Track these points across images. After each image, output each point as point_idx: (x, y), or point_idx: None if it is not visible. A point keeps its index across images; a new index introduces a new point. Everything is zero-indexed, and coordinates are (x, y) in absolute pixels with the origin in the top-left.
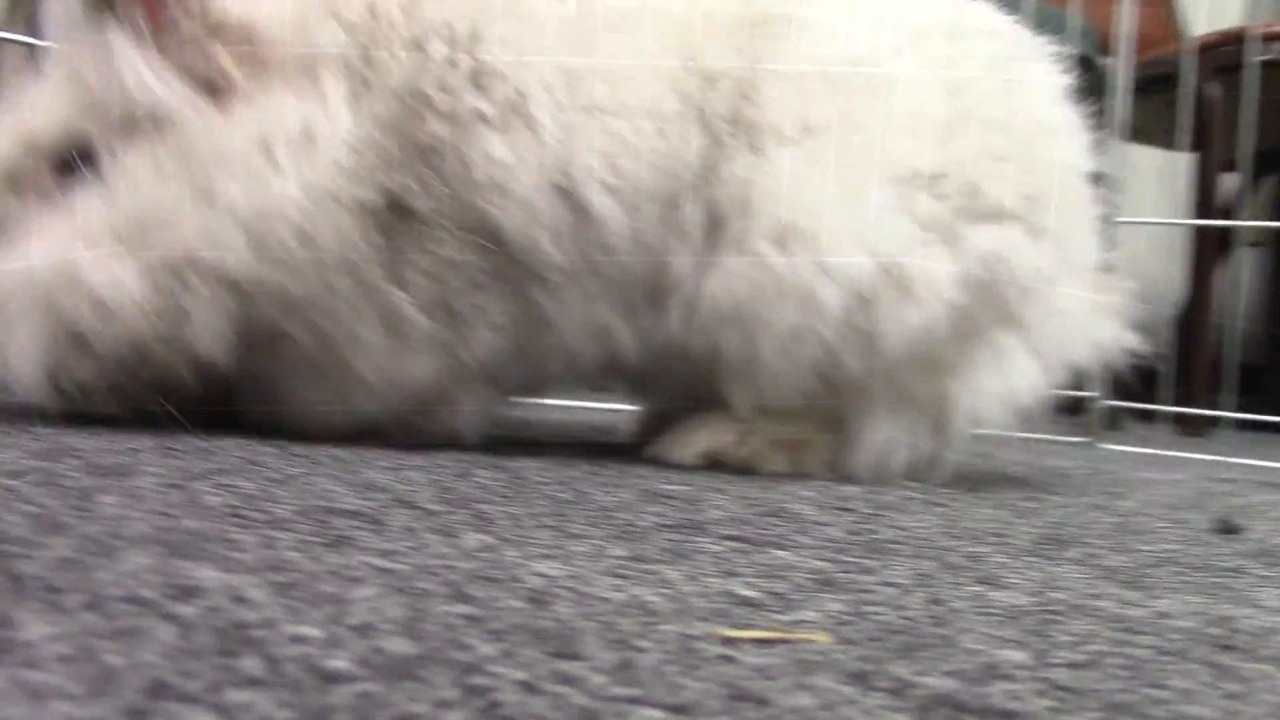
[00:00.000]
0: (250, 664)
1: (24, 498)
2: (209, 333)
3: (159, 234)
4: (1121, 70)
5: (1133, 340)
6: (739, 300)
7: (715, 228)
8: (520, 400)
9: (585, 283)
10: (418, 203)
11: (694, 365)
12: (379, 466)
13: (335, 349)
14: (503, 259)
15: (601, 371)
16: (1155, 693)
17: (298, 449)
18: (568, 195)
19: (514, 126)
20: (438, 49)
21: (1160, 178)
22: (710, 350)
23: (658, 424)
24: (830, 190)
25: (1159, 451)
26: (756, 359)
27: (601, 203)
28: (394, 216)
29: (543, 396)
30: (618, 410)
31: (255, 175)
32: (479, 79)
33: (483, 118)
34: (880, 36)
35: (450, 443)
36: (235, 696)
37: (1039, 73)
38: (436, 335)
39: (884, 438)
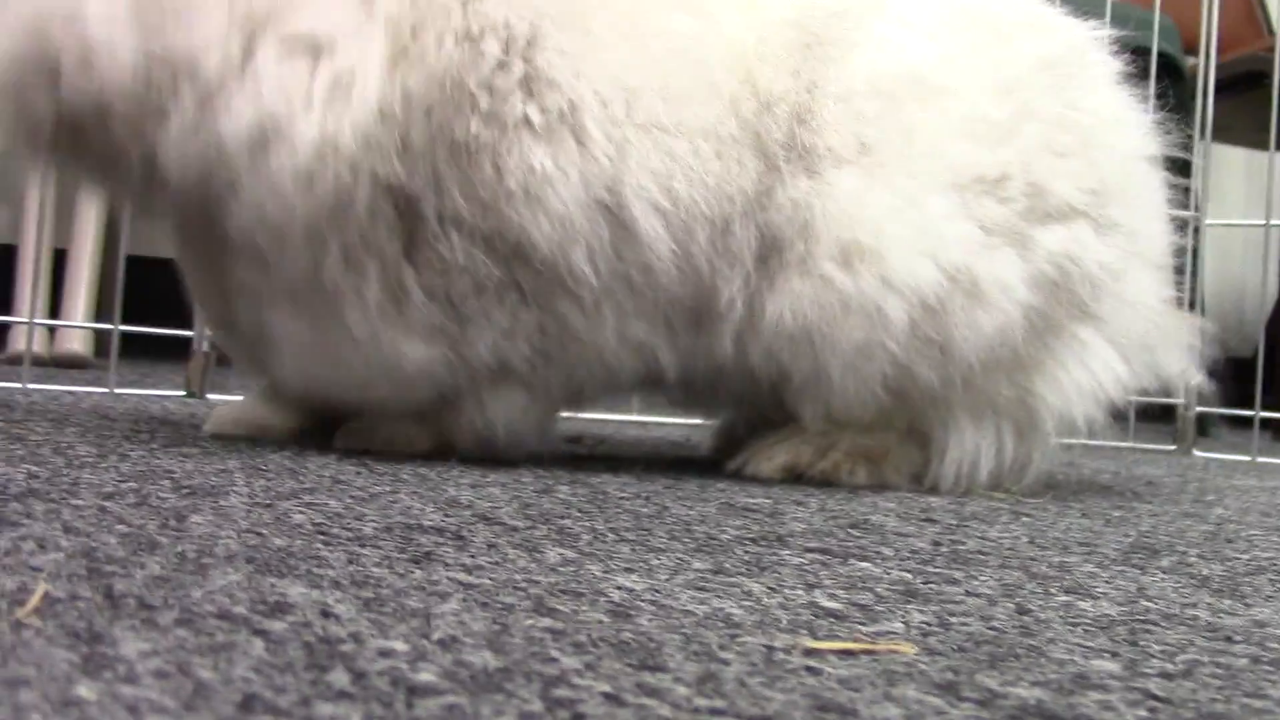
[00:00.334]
0: (338, 678)
1: (119, 518)
2: (175, 146)
3: (174, 25)
4: (1207, 68)
5: (1201, 381)
6: (803, 321)
7: (771, 251)
8: (569, 411)
9: (620, 299)
10: (427, 207)
11: (756, 384)
12: (461, 484)
13: (322, 290)
14: (523, 270)
15: (644, 385)
16: (1253, 702)
17: (382, 468)
18: (611, 213)
19: (561, 137)
20: (492, 48)
21: (1249, 178)
22: (775, 370)
23: (736, 438)
24: (891, 204)
25: (1252, 458)
26: (824, 377)
27: (649, 224)
28: (407, 203)
29: (591, 407)
30: (696, 425)
31: (291, 86)
32: (531, 85)
33: (529, 124)
34: (931, 45)
35: (498, 454)
36: (324, 710)
37: (1094, 63)
38: (438, 324)
39: (969, 447)
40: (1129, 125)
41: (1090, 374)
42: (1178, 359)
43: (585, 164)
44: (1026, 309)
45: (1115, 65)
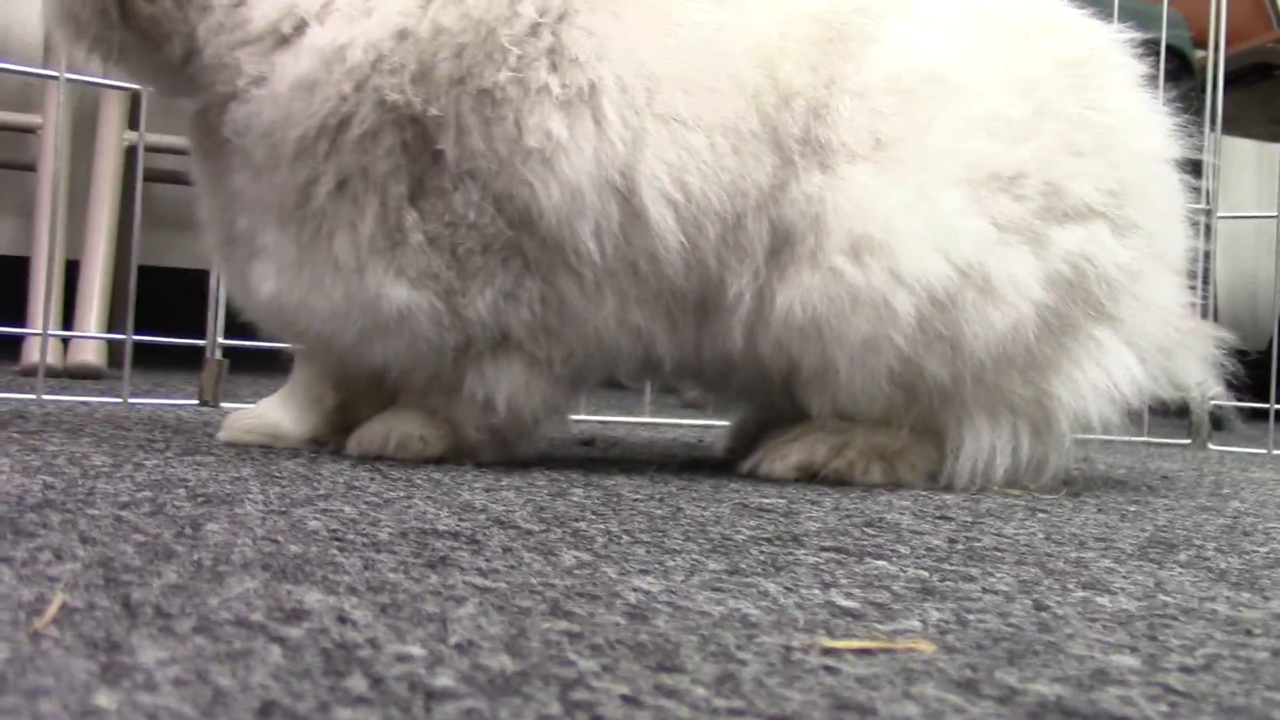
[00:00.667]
0: (356, 683)
1: (135, 527)
2: (212, 33)
3: None
4: (1216, 61)
5: (1218, 388)
6: (812, 313)
7: (783, 244)
8: (571, 399)
9: (624, 284)
10: (446, 146)
11: (768, 377)
12: (475, 488)
13: (313, 213)
14: (529, 238)
15: (644, 371)
16: (1274, 695)
17: (396, 473)
18: (623, 196)
19: (579, 113)
20: (528, 11)
21: (1260, 170)
22: (785, 362)
23: (750, 439)
24: (904, 200)
25: (1268, 451)
26: (832, 370)
27: (659, 213)
28: (420, 144)
29: (596, 384)
30: (709, 426)
31: None
32: (555, 58)
33: (550, 93)
34: (952, 44)
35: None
36: (343, 715)
37: (1115, 64)
38: (433, 272)
39: (984, 445)
40: (1150, 127)
41: (1106, 374)
42: (1196, 369)
43: (600, 143)
44: (1040, 307)
45: (1138, 67)
